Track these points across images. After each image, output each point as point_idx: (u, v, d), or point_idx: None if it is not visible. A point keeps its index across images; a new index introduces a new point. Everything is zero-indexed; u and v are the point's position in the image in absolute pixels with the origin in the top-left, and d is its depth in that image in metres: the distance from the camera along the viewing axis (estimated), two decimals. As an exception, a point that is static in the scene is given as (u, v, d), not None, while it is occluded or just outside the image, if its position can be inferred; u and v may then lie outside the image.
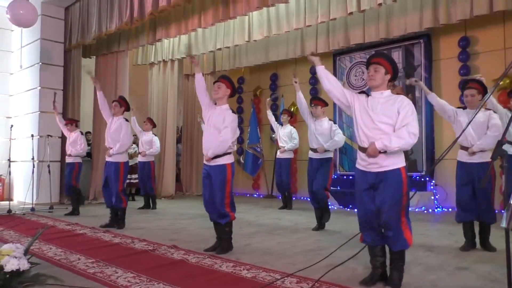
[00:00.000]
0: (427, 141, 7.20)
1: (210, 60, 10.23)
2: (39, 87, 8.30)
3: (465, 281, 2.95)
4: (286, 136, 7.31)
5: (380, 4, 6.16)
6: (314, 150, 5.19)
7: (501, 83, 6.42)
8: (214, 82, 4.14)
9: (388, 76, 2.89)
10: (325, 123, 5.22)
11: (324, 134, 5.16)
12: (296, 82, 5.15)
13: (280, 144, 7.38)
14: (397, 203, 2.72)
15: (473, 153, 3.90)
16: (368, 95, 2.95)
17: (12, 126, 8.13)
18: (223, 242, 3.95)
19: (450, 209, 6.86)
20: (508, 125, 1.81)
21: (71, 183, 6.50)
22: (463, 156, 4.02)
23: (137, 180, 8.97)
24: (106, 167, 5.45)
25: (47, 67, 8.40)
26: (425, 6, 6.64)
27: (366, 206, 2.87)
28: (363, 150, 2.85)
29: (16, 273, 2.39)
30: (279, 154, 7.41)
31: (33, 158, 7.36)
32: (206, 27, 7.60)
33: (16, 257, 2.43)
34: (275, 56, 8.89)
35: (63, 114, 8.53)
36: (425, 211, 6.77)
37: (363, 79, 8.21)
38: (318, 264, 3.07)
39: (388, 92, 2.89)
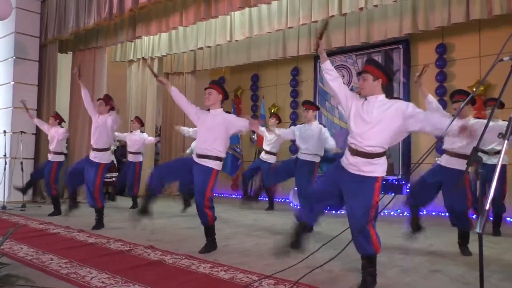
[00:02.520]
0: (404, 145, 7.33)
1: (191, 59, 10.15)
2: (13, 82, 8.05)
3: (439, 283, 3.01)
4: (276, 141, 7.29)
5: (361, 9, 6.25)
6: (304, 154, 5.24)
7: (474, 89, 6.61)
8: (205, 89, 4.11)
9: (378, 82, 2.90)
10: (314, 126, 5.25)
11: (311, 137, 5.18)
12: (267, 129, 5.74)
13: (265, 147, 7.40)
14: (367, 210, 2.77)
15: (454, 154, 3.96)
16: (365, 98, 2.97)
17: (-17, 121, 7.90)
18: (207, 242, 3.96)
19: (424, 212, 6.99)
20: (483, 133, 1.85)
21: (50, 183, 6.28)
22: (443, 160, 4.07)
23: (116, 179, 8.84)
24: (87, 163, 5.33)
25: (22, 61, 8.16)
26: (405, 13, 6.76)
27: (328, 182, 3.06)
28: (352, 150, 2.90)
29: (-15, 275, 2.32)
30: (264, 157, 7.42)
31: (5, 155, 7.13)
32: (187, 25, 7.54)
33: (-16, 258, 2.35)
34: (256, 57, 8.89)
35: (37, 111, 8.31)
36: (401, 214, 6.89)
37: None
38: (295, 265, 3.08)
39: (383, 96, 2.92)
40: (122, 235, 4.62)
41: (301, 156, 5.33)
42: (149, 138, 7.62)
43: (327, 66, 3.10)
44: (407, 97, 7.42)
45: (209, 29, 8.35)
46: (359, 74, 3.00)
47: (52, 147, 6.37)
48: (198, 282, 2.94)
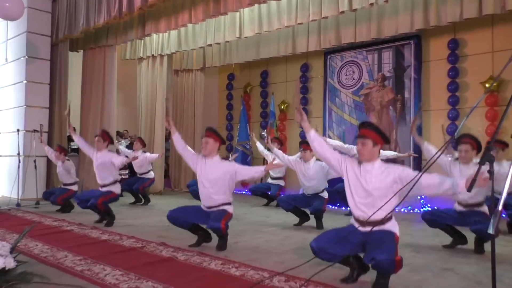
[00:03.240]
0: (414, 144, 7.26)
1: (200, 56, 10.17)
2: (25, 81, 8.16)
3: (450, 282, 3.00)
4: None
5: (371, 4, 6.19)
6: (310, 195, 5.32)
7: (487, 85, 6.54)
8: (202, 138, 4.13)
9: (377, 147, 2.90)
10: (312, 165, 5.24)
11: (313, 178, 5.22)
12: (268, 142, 5.61)
13: (272, 173, 7.46)
14: (393, 255, 2.65)
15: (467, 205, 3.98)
16: (359, 162, 2.95)
17: (-3, 120, 8.04)
18: (220, 241, 3.98)
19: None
20: (497, 129, 1.83)
21: (56, 200, 6.29)
22: (458, 208, 4.08)
23: (126, 176, 8.98)
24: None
25: (33, 60, 8.26)
26: (416, 8, 6.69)
27: (346, 240, 2.87)
28: (361, 222, 2.89)
29: (2, 272, 2.36)
30: (270, 181, 7.55)
31: (18, 153, 7.24)
32: (196, 22, 7.55)
33: (2, 256, 2.40)
34: (266, 53, 8.88)
35: (49, 110, 8.43)
36: (412, 211, 6.86)
37: (354, 78, 8.25)
38: (306, 263, 3.09)
39: (379, 162, 2.92)
40: (134, 232, 4.68)
41: (306, 191, 5.41)
42: (152, 156, 7.57)
43: (312, 134, 3.06)
44: (418, 93, 7.35)
45: (218, 25, 8.36)
46: (357, 137, 2.95)
47: (64, 181, 6.46)
48: (210, 279, 2.98)
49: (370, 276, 2.92)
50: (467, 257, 3.74)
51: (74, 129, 6.06)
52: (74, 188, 6.46)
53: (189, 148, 4.24)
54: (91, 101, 8.71)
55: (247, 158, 9.82)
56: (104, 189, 5.39)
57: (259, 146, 6.98)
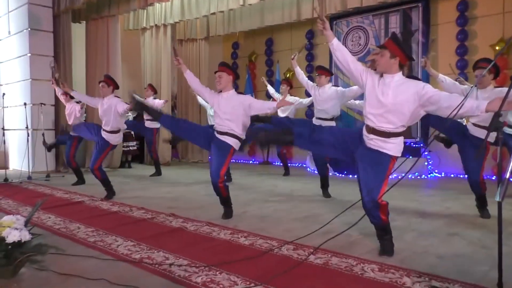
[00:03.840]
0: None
1: (204, 25, 10.00)
2: (29, 54, 8.11)
3: (456, 247, 3.04)
4: (288, 108, 7.24)
5: (378, -34, 5.99)
6: (320, 118, 5.23)
7: (497, 48, 6.39)
8: (215, 72, 4.12)
9: (396, 60, 2.83)
10: (327, 89, 5.17)
11: (326, 101, 5.14)
12: (293, 59, 5.37)
13: (280, 114, 7.36)
14: (379, 184, 2.76)
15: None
16: (381, 75, 2.90)
17: (4, 94, 8.04)
18: (225, 210, 4.08)
19: (443, 174, 6.98)
20: (505, 98, 1.81)
21: (69, 158, 6.37)
22: (472, 129, 3.98)
23: (135, 147, 9.05)
24: (99, 135, 5.38)
25: (36, 32, 8.17)
26: (425, -32, 6.46)
27: (344, 141, 3.07)
28: (369, 129, 2.90)
29: (18, 244, 2.43)
30: None
31: (27, 127, 7.30)
32: (199, -10, 7.38)
33: (17, 229, 2.46)
34: (270, 21, 8.70)
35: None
36: (418, 177, 6.88)
37: (360, 44, 8.09)
38: (314, 232, 3.14)
39: (399, 75, 2.85)
40: (143, 203, 4.76)
41: (317, 122, 5.29)
42: (160, 102, 7.58)
43: (335, 43, 2.99)
44: (426, 58, 7.20)
45: (221, -7, 8.17)
46: (379, 47, 2.91)
47: (70, 122, 6.46)
48: (220, 248, 3.04)
49: (377, 243, 2.96)
50: (474, 222, 3.78)
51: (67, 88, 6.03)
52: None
53: (203, 85, 4.29)
54: (96, 72, 8.67)
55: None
56: (105, 134, 5.30)
57: (270, 89, 7.24)
